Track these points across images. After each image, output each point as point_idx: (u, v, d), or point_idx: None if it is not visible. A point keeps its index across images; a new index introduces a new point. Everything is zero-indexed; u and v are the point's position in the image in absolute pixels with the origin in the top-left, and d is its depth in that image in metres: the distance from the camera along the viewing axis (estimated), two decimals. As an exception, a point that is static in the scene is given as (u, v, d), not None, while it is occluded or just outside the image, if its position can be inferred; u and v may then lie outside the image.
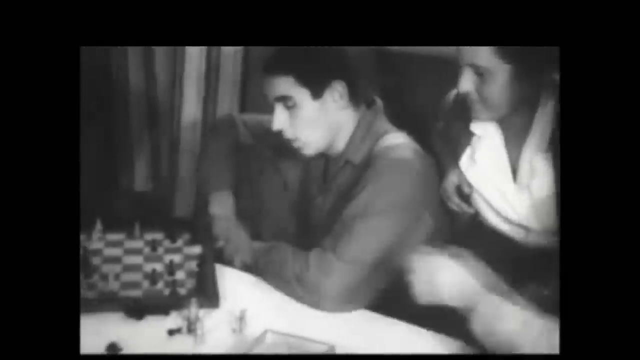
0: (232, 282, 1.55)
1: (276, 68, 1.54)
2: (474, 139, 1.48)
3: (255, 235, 1.77)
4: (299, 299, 1.47)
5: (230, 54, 2.23)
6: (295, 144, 1.59)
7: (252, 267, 1.61)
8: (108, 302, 1.43)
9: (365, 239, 1.46)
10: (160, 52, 2.35)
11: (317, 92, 1.53)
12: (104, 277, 1.51)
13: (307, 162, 1.73)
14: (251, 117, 1.93)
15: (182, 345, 1.32)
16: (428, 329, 1.40)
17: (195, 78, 2.28)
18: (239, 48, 2.24)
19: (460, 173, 1.52)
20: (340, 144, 1.62)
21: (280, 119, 1.57)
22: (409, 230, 1.48)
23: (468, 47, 1.33)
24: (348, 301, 1.45)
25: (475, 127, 1.47)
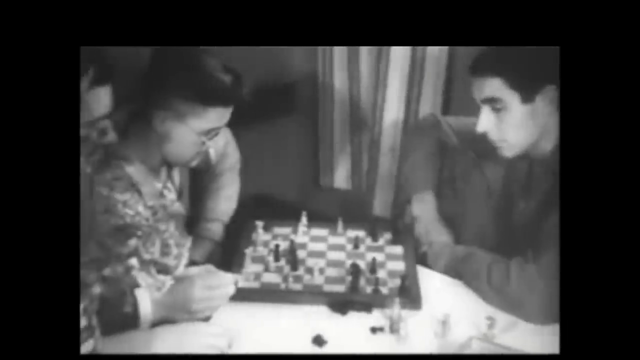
0: (435, 285, 1.53)
1: (485, 69, 1.49)
2: None
3: (456, 238, 1.73)
4: (502, 309, 1.42)
5: (435, 54, 2.20)
6: (498, 145, 1.54)
7: (454, 272, 1.57)
8: (313, 296, 1.47)
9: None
10: (365, 53, 2.38)
11: (527, 96, 1.46)
12: (309, 271, 1.55)
13: (510, 166, 1.66)
14: (454, 118, 1.90)
15: (385, 344, 1.32)
16: None
17: (399, 78, 2.27)
18: (444, 48, 2.20)
19: None
20: (545, 147, 1.54)
21: (486, 121, 1.52)
22: None
23: None
24: (551, 315, 1.37)
25: None
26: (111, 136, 1.26)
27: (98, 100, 1.24)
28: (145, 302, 1.32)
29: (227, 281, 1.39)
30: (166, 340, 1.25)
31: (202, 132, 1.51)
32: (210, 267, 1.44)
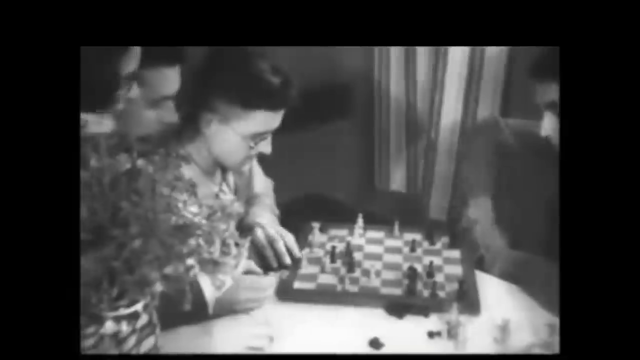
0: (494, 290, 1.50)
1: (546, 73, 1.46)
2: None
3: (514, 243, 1.70)
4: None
5: (494, 55, 2.17)
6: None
7: (511, 277, 1.55)
8: (370, 298, 1.46)
9: None
10: (422, 54, 2.36)
11: None
12: (366, 273, 1.54)
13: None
14: (514, 121, 1.86)
15: (443, 348, 1.31)
16: None
17: (457, 80, 2.25)
18: (504, 49, 2.17)
19: None
20: None
21: (549, 125, 1.49)
22: None
23: None
24: None
25: None
26: (172, 116, 1.28)
27: (163, 80, 1.26)
28: (209, 290, 1.35)
29: (269, 283, 1.44)
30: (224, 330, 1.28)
31: (248, 136, 1.50)
32: (250, 263, 1.48)
